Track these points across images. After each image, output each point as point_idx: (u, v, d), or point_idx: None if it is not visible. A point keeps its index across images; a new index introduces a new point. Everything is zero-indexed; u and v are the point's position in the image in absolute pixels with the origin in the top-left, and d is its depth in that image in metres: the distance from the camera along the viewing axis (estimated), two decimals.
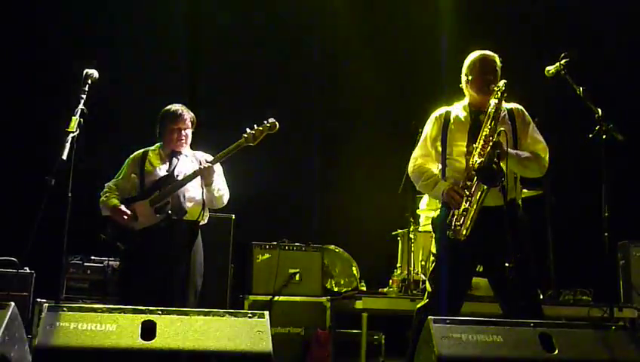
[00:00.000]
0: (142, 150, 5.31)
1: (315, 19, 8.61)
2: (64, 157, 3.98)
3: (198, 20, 8.19)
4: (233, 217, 6.82)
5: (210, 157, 5.19)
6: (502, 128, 4.35)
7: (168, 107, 5.24)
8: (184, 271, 4.99)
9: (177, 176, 5.09)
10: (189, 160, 5.22)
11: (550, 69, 4.87)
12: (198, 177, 5.07)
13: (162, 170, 5.13)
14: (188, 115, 5.21)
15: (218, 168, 5.22)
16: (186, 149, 5.26)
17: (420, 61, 8.54)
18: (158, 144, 5.31)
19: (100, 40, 7.57)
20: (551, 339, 3.73)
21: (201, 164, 5.09)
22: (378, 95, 8.73)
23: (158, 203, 5.02)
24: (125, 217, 5.02)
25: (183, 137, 5.18)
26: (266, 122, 5.11)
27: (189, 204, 5.08)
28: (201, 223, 5.21)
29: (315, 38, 8.63)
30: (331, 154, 8.56)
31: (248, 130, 5.07)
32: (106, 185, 5.24)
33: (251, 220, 7.36)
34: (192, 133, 5.27)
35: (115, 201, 5.09)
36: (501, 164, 4.24)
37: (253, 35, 8.44)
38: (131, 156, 5.30)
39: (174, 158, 5.17)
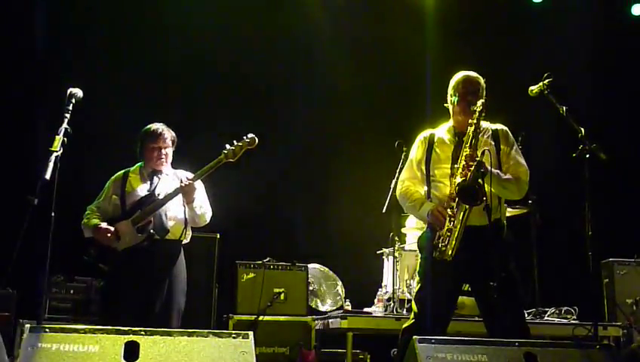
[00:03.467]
0: (122, 171, 5.28)
1: (301, 34, 8.62)
2: (47, 176, 3.96)
3: (182, 34, 8.17)
4: (218, 236, 6.81)
5: (191, 175, 5.17)
6: (485, 148, 4.36)
7: (148, 126, 5.23)
8: (166, 290, 4.96)
9: (158, 195, 5.07)
10: (169, 178, 5.21)
11: (534, 88, 4.90)
12: (180, 196, 5.06)
13: (143, 190, 5.12)
14: (168, 134, 5.20)
15: (200, 186, 5.21)
16: (166, 168, 5.24)
17: (406, 79, 8.58)
18: (138, 164, 5.29)
19: (84, 59, 7.56)
20: (536, 359, 3.73)
21: (182, 181, 5.06)
22: (363, 113, 8.75)
23: (140, 222, 4.99)
24: (108, 235, 4.98)
25: (163, 156, 5.17)
26: (245, 138, 5.11)
27: (170, 223, 5.07)
28: (183, 242, 5.19)
29: (301, 55, 8.63)
30: (316, 173, 8.56)
31: (228, 146, 5.06)
32: (87, 207, 5.22)
33: (236, 239, 7.34)
34: (173, 151, 5.26)
35: (97, 221, 5.07)
36: (485, 183, 4.25)
37: (238, 49, 8.44)
38: (112, 178, 5.28)
39: (155, 177, 5.17)
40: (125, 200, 5.12)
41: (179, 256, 5.13)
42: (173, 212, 5.11)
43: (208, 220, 5.27)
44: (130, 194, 5.13)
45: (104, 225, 5.02)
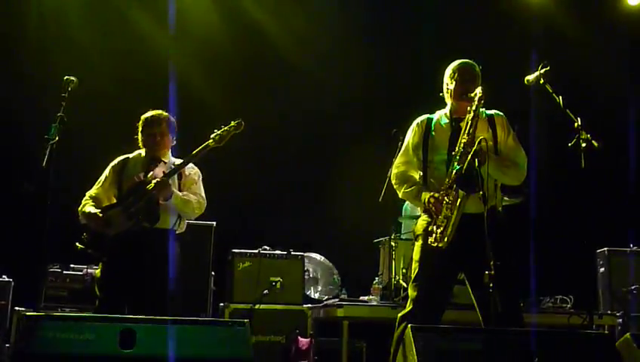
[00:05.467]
0: (122, 157, 5.27)
1: (299, 27, 8.61)
2: (44, 164, 3.96)
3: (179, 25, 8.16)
4: (214, 225, 6.80)
5: (195, 168, 5.18)
6: (482, 136, 4.36)
7: (147, 113, 5.22)
8: (158, 279, 4.89)
9: (150, 182, 5.01)
10: (168, 166, 5.16)
11: (530, 78, 4.90)
12: (176, 182, 5.06)
13: (139, 177, 5.09)
14: (164, 120, 5.18)
15: (197, 174, 5.23)
16: (166, 155, 5.22)
17: (402, 68, 8.57)
18: (139, 151, 5.27)
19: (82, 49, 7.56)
20: (530, 347, 3.74)
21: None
22: (360, 102, 8.75)
23: (131, 209, 4.96)
24: (98, 222, 4.94)
25: (160, 142, 5.15)
26: (232, 122, 5.11)
27: (162, 211, 5.01)
28: (177, 232, 5.15)
29: (299, 45, 8.62)
30: (312, 161, 8.55)
31: (216, 130, 5.06)
32: (86, 193, 5.17)
33: (232, 228, 7.34)
34: (174, 139, 5.25)
35: (90, 208, 5.02)
36: (481, 170, 4.26)
37: (240, 42, 8.43)
38: (111, 163, 5.26)
39: (152, 165, 5.13)
40: (122, 187, 5.11)
41: (169, 245, 5.05)
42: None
43: (199, 212, 5.21)
44: (127, 181, 5.11)
45: (94, 211, 4.98)
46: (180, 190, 5.10)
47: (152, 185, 4.93)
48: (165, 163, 5.19)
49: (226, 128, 5.08)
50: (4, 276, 6.17)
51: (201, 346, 3.53)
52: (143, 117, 5.21)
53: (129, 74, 7.84)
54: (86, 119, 6.45)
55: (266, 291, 6.52)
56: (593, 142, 4.61)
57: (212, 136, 5.06)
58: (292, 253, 6.94)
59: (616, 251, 7.50)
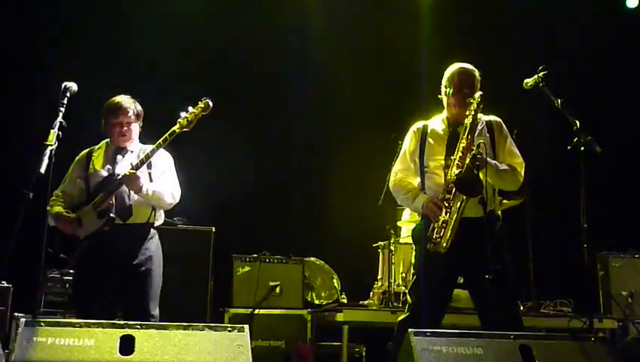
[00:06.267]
0: (86, 150, 4.94)
1: (297, 30, 8.61)
2: (42, 170, 3.95)
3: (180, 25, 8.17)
4: (213, 229, 6.80)
5: (165, 154, 4.87)
6: (481, 140, 4.36)
7: (110, 100, 4.86)
8: (139, 277, 4.63)
9: (119, 175, 4.68)
10: (134, 155, 4.81)
11: (528, 81, 4.89)
12: (145, 173, 4.72)
13: (106, 170, 4.76)
14: (131, 107, 4.81)
15: (167, 161, 4.91)
16: (132, 145, 4.87)
17: (401, 73, 8.57)
18: (104, 141, 4.95)
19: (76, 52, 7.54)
20: (531, 351, 3.74)
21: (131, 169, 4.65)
22: (359, 107, 8.75)
23: (101, 206, 4.62)
24: (67, 223, 4.64)
25: (125, 132, 4.79)
26: (199, 102, 4.74)
27: (134, 205, 4.70)
28: (156, 224, 4.85)
29: (297, 48, 8.62)
30: (312, 166, 8.56)
31: (183, 113, 4.70)
32: (54, 192, 4.80)
33: (232, 233, 7.34)
34: (141, 126, 4.92)
35: (58, 208, 4.70)
36: (480, 174, 4.26)
37: (237, 43, 8.43)
38: (76, 158, 4.95)
39: (119, 155, 4.79)
40: (90, 182, 4.76)
41: (147, 239, 4.75)
42: None
43: (173, 201, 4.86)
44: (93, 175, 4.77)
45: (63, 212, 4.67)
46: (150, 180, 4.77)
47: (120, 178, 4.62)
48: (132, 152, 4.86)
49: (193, 111, 4.71)
50: (3, 282, 6.16)
51: (201, 351, 3.52)
52: (106, 104, 4.86)
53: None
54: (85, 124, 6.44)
55: (265, 296, 6.52)
56: (596, 148, 4.61)
57: (178, 120, 4.68)
58: (292, 257, 6.94)
59: (617, 254, 7.50)
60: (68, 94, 4.37)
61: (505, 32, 8.75)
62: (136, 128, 4.87)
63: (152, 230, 4.82)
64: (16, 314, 6.08)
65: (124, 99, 4.84)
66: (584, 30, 8.52)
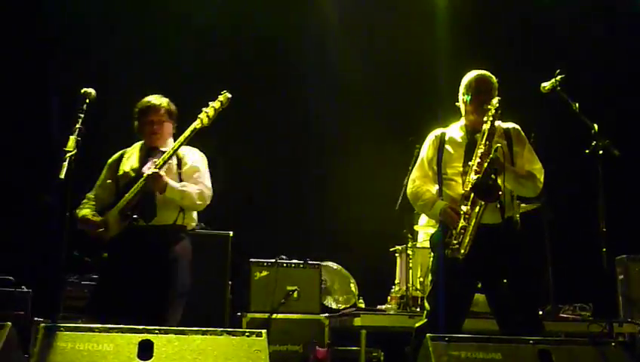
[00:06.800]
0: (120, 152, 4.89)
1: (312, 34, 8.63)
2: (62, 176, 3.97)
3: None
4: (231, 234, 6.81)
5: (197, 153, 4.79)
6: (499, 144, 4.35)
7: (142, 99, 4.81)
8: (164, 282, 4.49)
9: (143, 174, 4.57)
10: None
11: (546, 85, 4.89)
12: (175, 173, 4.64)
13: (136, 171, 4.67)
14: (162, 106, 4.75)
15: (200, 160, 4.79)
16: (165, 144, 4.76)
17: (418, 77, 8.56)
18: (138, 143, 4.91)
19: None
20: (550, 356, 3.72)
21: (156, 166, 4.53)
22: (376, 111, 8.75)
23: (124, 207, 4.53)
24: (93, 227, 4.55)
25: (157, 130, 4.72)
26: (219, 96, 4.67)
27: (159, 206, 4.56)
28: (187, 228, 4.74)
29: (314, 52, 8.64)
30: (329, 170, 8.56)
31: (204, 109, 4.63)
32: (86, 195, 4.81)
33: (249, 237, 7.35)
34: (175, 125, 4.83)
35: (85, 211, 4.64)
36: (498, 180, 4.24)
37: (251, 44, 8.46)
38: (108, 160, 4.90)
39: (151, 156, 4.69)
40: (119, 184, 4.68)
41: (174, 243, 4.61)
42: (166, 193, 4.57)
43: (204, 202, 4.71)
44: (122, 177, 4.70)
45: (89, 215, 4.60)
46: (180, 180, 4.66)
47: (144, 177, 4.50)
48: (165, 152, 4.68)
49: (212, 105, 4.63)
50: (23, 286, 6.20)
51: (219, 356, 3.53)
52: (138, 103, 4.81)
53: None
54: (105, 130, 6.47)
55: (283, 300, 6.53)
56: (615, 151, 4.58)
57: (199, 116, 4.60)
58: (309, 262, 6.94)
59: (636, 258, 7.44)
60: (87, 100, 4.38)
61: (522, 36, 8.73)
62: (168, 127, 4.80)
63: (180, 233, 4.69)
64: (35, 318, 6.11)
65: (156, 98, 4.79)
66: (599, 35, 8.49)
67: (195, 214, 4.82)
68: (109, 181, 4.78)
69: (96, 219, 4.61)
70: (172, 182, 4.56)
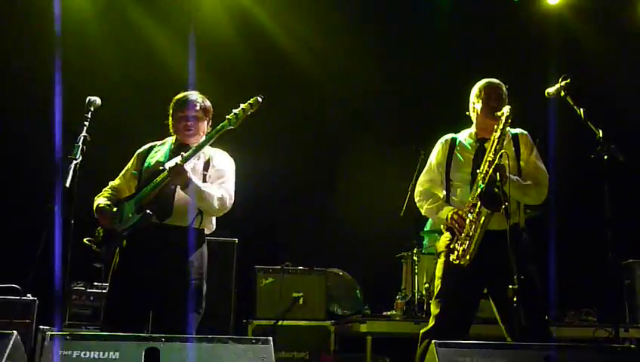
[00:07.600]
0: (149, 144, 4.78)
1: (319, 38, 8.64)
2: (67, 184, 3.97)
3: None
4: (236, 241, 6.81)
5: (226, 157, 4.67)
6: (503, 150, 4.35)
7: (179, 94, 4.71)
8: (175, 286, 4.32)
9: (166, 168, 4.42)
10: (199, 154, 4.53)
11: (551, 90, 4.88)
12: (199, 172, 4.50)
13: (158, 165, 4.51)
14: (198, 101, 4.62)
15: (228, 164, 4.66)
16: (199, 142, 4.54)
17: (425, 84, 8.57)
18: (171, 137, 4.76)
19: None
20: None
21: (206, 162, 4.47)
22: (381, 117, 8.76)
23: (142, 200, 4.39)
24: (107, 217, 4.43)
25: (191, 126, 4.57)
26: (250, 99, 4.53)
27: (176, 204, 4.40)
28: (207, 231, 4.58)
29: (320, 58, 8.64)
30: (334, 176, 8.56)
31: (234, 110, 4.49)
32: (110, 183, 4.73)
33: (254, 244, 7.35)
34: (210, 124, 4.69)
35: (100, 200, 4.52)
36: (504, 187, 4.24)
37: (262, 55, 8.47)
38: (137, 151, 4.77)
39: (181, 152, 4.45)
40: (142, 176, 4.55)
41: (188, 246, 4.39)
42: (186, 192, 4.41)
43: (224, 208, 4.54)
44: (147, 169, 4.56)
45: (104, 203, 4.48)
46: (204, 181, 4.50)
47: (167, 171, 4.34)
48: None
49: (242, 107, 4.50)
50: (28, 295, 6.21)
51: None
52: (175, 98, 4.69)
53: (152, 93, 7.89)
54: (109, 139, 6.48)
55: (288, 307, 6.52)
56: (619, 157, 4.58)
57: (227, 116, 4.47)
58: (314, 268, 6.94)
59: None
60: (92, 108, 4.39)
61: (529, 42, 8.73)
62: (203, 125, 4.65)
63: (197, 237, 4.47)
64: (41, 326, 6.11)
65: (192, 94, 4.68)
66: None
67: (214, 219, 4.67)
68: (134, 171, 4.66)
69: (111, 210, 4.47)
70: (195, 180, 4.39)
